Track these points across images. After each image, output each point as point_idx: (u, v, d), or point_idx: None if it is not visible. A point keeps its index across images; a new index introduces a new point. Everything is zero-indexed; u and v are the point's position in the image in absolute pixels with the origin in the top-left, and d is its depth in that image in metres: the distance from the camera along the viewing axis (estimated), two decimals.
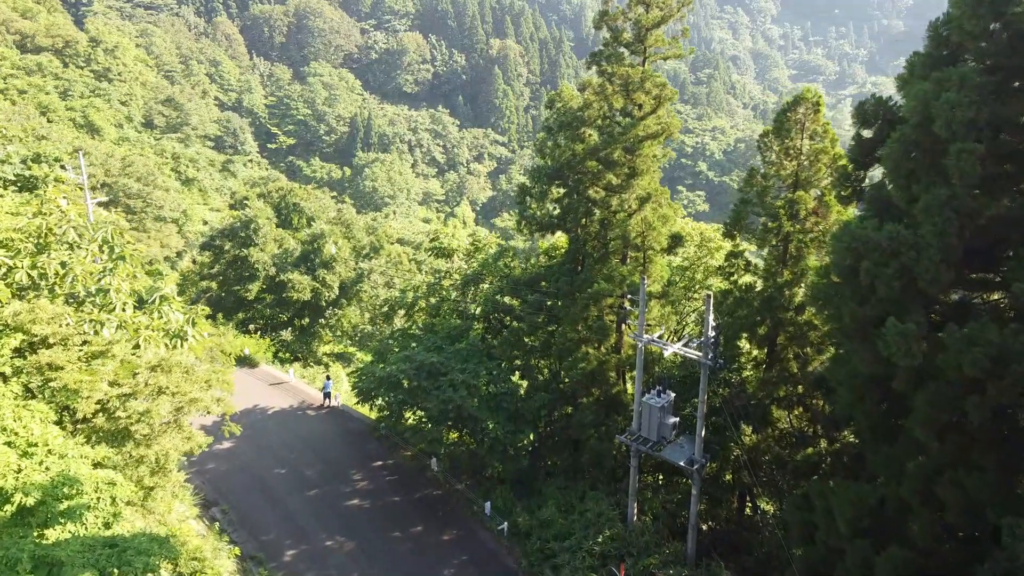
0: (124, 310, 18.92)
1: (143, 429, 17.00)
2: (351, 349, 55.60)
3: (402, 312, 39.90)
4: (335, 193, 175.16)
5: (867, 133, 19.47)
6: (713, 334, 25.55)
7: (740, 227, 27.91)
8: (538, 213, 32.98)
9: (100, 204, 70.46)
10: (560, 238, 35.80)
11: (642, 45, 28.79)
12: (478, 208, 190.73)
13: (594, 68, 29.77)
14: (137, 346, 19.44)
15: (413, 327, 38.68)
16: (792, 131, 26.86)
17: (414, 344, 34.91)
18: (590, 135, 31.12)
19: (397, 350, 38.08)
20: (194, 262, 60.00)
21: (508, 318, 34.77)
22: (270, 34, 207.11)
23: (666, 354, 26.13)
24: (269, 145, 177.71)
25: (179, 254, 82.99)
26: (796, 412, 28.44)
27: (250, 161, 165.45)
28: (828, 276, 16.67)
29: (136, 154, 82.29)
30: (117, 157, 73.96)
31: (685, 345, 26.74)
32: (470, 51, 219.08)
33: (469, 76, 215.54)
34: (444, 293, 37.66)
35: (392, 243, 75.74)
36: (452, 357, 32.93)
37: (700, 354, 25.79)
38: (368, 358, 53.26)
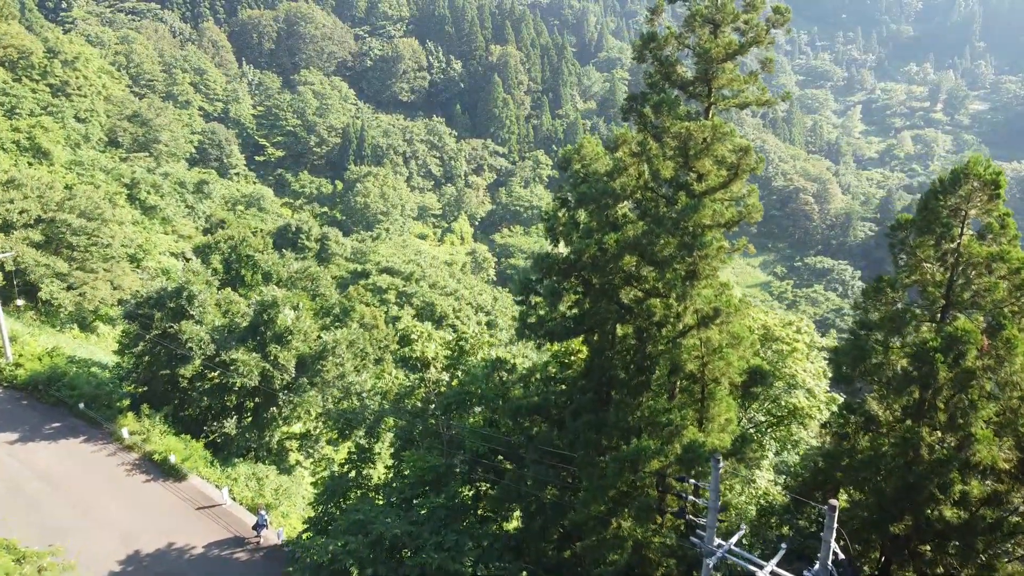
0: None
1: None
2: (316, 430, 45.77)
3: (361, 432, 30.29)
4: (325, 208, 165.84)
5: None
6: (834, 555, 15.90)
7: (862, 369, 18.20)
8: (547, 317, 23.23)
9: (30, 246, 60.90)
10: (577, 342, 26.09)
11: (707, 86, 19.06)
12: (476, 223, 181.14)
13: (632, 118, 20.07)
14: None
15: (377, 447, 28.98)
16: (950, 225, 17.19)
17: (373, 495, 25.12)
18: (624, 213, 21.44)
19: (352, 479, 28.39)
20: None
21: (502, 460, 25.05)
22: (259, 40, 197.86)
23: None
24: (257, 157, 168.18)
25: (136, 294, 73.45)
26: None
27: (237, 174, 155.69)
28: None
29: (85, 182, 72.57)
30: (58, 188, 64.22)
31: (783, 562, 17.03)
32: (468, 58, 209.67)
33: (467, 84, 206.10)
34: (418, 405, 27.99)
35: (377, 277, 66.36)
36: (424, 520, 23.20)
37: None
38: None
